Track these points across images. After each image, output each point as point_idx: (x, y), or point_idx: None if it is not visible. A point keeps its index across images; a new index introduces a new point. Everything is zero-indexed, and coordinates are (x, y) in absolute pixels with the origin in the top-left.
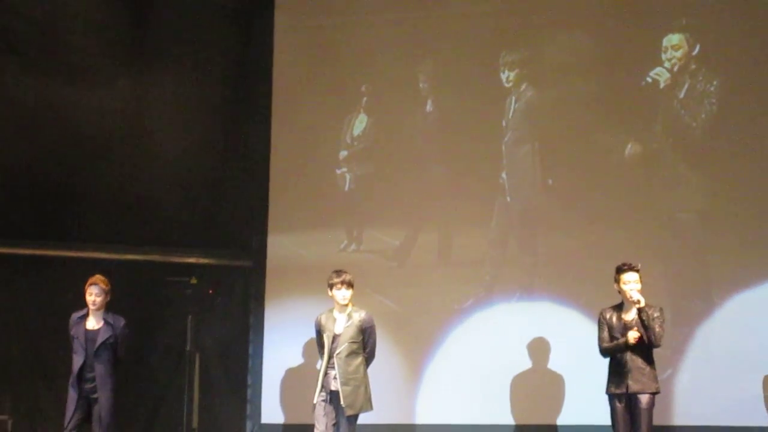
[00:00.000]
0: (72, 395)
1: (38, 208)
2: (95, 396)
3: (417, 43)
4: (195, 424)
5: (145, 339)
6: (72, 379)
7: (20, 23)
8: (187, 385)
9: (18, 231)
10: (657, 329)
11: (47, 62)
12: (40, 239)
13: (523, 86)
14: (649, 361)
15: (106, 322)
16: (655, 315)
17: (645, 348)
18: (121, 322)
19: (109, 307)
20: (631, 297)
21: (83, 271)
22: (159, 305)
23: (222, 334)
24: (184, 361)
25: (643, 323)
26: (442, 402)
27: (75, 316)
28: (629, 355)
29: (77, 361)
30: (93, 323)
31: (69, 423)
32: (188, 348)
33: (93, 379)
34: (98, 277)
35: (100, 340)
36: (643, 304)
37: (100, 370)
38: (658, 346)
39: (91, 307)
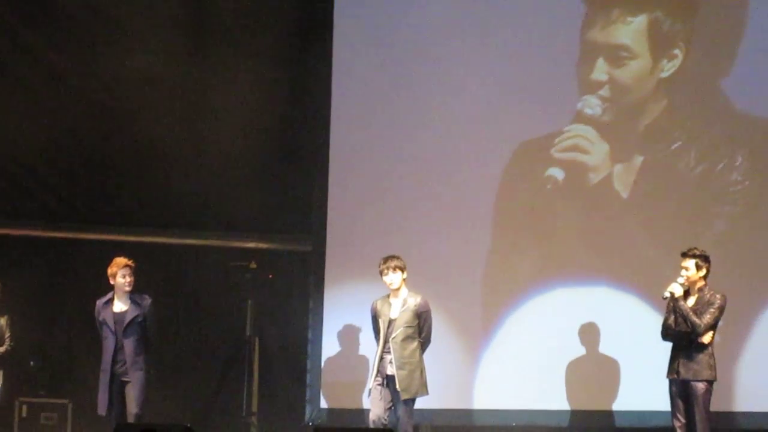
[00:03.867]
0: (104, 381)
1: (100, 193)
2: (126, 378)
3: (477, 51)
4: (255, 408)
5: (205, 323)
6: (104, 365)
7: (87, 16)
8: (247, 369)
9: (79, 216)
10: (694, 319)
11: (110, 52)
12: (100, 223)
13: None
14: (701, 348)
15: (133, 302)
16: (712, 301)
17: (693, 335)
18: (148, 300)
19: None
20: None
21: (142, 256)
22: (219, 290)
23: (281, 319)
24: (243, 346)
25: (681, 313)
26: (499, 386)
27: (100, 302)
28: (680, 341)
29: (108, 346)
30: (120, 305)
31: (110, 412)
32: (248, 332)
33: (125, 361)
34: (124, 259)
35: (128, 319)
36: (676, 294)
37: (129, 349)
38: (698, 335)
39: (125, 288)
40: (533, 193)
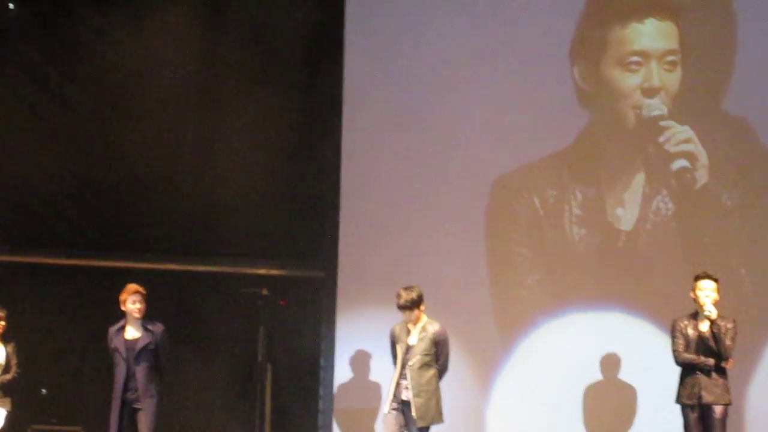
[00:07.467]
0: (115, 408)
1: (112, 221)
2: (138, 406)
3: (490, 76)
4: None
5: (217, 350)
6: (115, 392)
7: (101, 46)
8: (259, 395)
9: (92, 243)
10: (728, 343)
11: (123, 82)
12: (112, 250)
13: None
14: (722, 372)
15: (145, 329)
16: (728, 327)
17: (717, 359)
18: (160, 327)
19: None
20: (704, 306)
21: (155, 283)
22: (231, 316)
23: (293, 345)
24: (255, 372)
25: (715, 336)
26: (513, 414)
27: (113, 329)
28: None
29: (120, 373)
30: (132, 332)
31: None
32: (260, 359)
33: (136, 389)
34: (136, 285)
35: (139, 346)
36: (714, 316)
37: (141, 377)
38: (727, 359)
39: (135, 315)
40: (545, 217)
